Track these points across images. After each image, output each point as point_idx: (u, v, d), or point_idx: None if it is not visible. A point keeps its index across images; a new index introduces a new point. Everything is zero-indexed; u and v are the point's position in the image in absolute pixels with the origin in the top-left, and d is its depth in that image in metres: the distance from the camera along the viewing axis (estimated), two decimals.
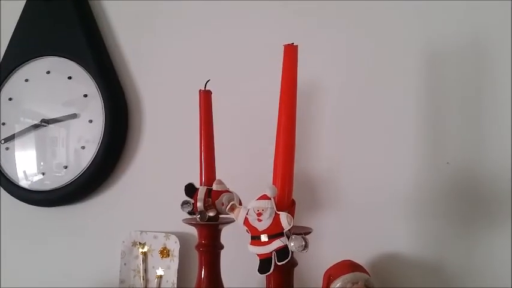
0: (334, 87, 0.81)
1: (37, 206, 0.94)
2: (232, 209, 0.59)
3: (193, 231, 0.85)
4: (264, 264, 0.56)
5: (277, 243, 0.55)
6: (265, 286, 0.61)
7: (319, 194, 0.78)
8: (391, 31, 0.78)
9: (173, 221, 0.86)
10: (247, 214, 0.58)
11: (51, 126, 0.93)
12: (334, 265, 0.73)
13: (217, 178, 0.74)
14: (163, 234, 0.86)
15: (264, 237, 0.56)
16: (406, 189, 0.76)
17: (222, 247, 0.74)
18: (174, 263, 0.85)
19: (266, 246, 0.56)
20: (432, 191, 0.75)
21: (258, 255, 0.57)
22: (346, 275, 0.70)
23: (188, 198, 0.72)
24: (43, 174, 0.93)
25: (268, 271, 0.55)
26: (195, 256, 0.84)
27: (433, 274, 0.75)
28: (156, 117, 0.92)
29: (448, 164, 0.75)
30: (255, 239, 0.57)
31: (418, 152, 0.76)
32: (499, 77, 0.73)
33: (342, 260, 0.73)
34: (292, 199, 0.61)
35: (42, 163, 0.93)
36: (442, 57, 0.76)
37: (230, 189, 0.72)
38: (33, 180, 0.93)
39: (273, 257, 0.55)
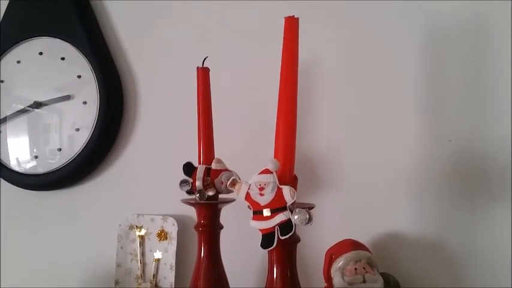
0: (334, 65, 0.80)
1: (31, 190, 0.93)
2: (233, 184, 0.58)
3: (191, 213, 0.84)
4: (267, 239, 0.54)
5: (280, 217, 0.54)
6: (267, 264, 0.60)
7: (320, 174, 0.77)
8: (391, 7, 0.77)
9: (170, 204, 0.85)
10: (248, 189, 0.57)
11: (44, 111, 0.90)
12: (336, 244, 0.72)
13: (216, 157, 0.72)
14: (161, 216, 0.85)
15: (266, 212, 0.55)
16: (408, 168, 0.75)
17: (221, 227, 0.73)
18: (172, 245, 0.83)
19: (269, 220, 0.55)
20: (434, 169, 0.75)
21: (260, 230, 0.55)
22: (349, 253, 0.69)
23: (187, 177, 0.70)
24: (36, 157, 0.91)
25: (271, 246, 0.54)
26: (193, 238, 0.83)
27: (435, 252, 0.74)
28: (152, 97, 0.90)
29: (450, 142, 0.74)
30: (257, 213, 0.56)
31: (420, 130, 0.75)
32: (500, 53, 0.72)
33: (344, 239, 0.72)
34: (294, 175, 0.60)
35: (35, 146, 0.91)
36: (443, 34, 0.75)
37: (229, 168, 0.71)
38: (26, 164, 0.91)
39: (275, 231, 0.54)
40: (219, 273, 0.72)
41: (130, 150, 0.90)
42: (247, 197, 0.57)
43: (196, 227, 0.72)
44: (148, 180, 0.88)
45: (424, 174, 0.75)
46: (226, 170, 0.71)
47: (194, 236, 0.83)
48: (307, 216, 0.53)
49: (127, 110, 0.90)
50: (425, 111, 0.75)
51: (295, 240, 0.58)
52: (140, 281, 0.84)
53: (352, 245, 0.70)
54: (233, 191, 0.70)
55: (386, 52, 0.77)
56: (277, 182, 0.55)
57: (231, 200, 0.72)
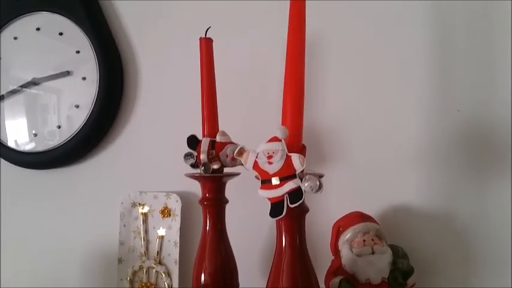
0: (341, 35, 0.78)
1: (31, 168, 0.91)
2: (241, 153, 0.56)
3: (194, 189, 0.83)
4: (276, 207, 0.53)
5: (290, 185, 0.53)
6: (275, 238, 0.59)
7: (326, 146, 0.75)
8: None
9: (173, 181, 0.84)
10: (256, 158, 0.55)
11: (42, 90, 0.88)
12: (343, 217, 0.71)
13: (220, 129, 0.70)
14: (164, 193, 0.83)
15: (275, 180, 0.54)
16: (416, 139, 0.74)
17: (226, 201, 0.71)
18: (175, 222, 0.82)
19: (278, 189, 0.53)
20: (442, 140, 0.73)
21: (269, 199, 0.54)
22: (357, 225, 0.68)
23: (191, 151, 0.69)
24: (35, 135, 0.89)
25: (281, 215, 0.53)
26: (197, 215, 0.82)
27: (443, 224, 0.73)
28: (153, 72, 0.88)
29: (459, 112, 0.73)
30: (266, 182, 0.54)
31: (428, 100, 0.74)
32: (509, 21, 0.70)
33: (351, 211, 0.71)
34: (303, 144, 0.58)
35: (34, 125, 0.89)
36: (450, 2, 0.73)
37: (234, 141, 0.70)
38: (25, 142, 0.89)
39: (285, 199, 0.53)
40: (225, 248, 0.71)
41: (132, 126, 0.88)
42: (255, 166, 0.55)
43: (201, 201, 0.71)
44: (150, 157, 0.86)
45: (432, 146, 0.74)
46: (231, 142, 0.70)
47: (198, 213, 0.82)
48: (318, 183, 0.52)
49: (127, 86, 0.88)
50: (433, 81, 0.74)
51: (304, 210, 0.57)
52: (144, 258, 0.83)
53: (360, 217, 0.70)
54: (238, 164, 0.70)
55: (393, 22, 0.75)
56: (286, 149, 0.54)
57: (236, 174, 0.71)
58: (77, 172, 0.90)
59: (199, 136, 0.71)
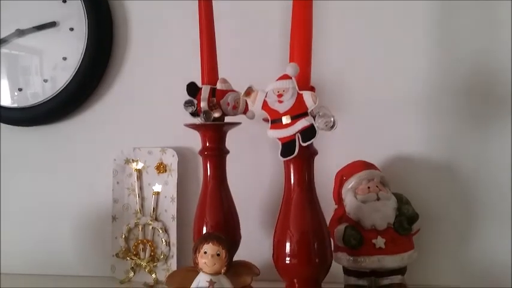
0: None
1: (17, 125, 0.86)
2: (248, 93, 0.54)
3: (191, 144, 0.80)
4: (287, 147, 0.52)
5: (302, 123, 0.51)
6: (284, 178, 0.57)
7: (329, 96, 0.74)
8: None
9: (168, 136, 0.82)
10: (265, 97, 0.53)
11: (27, 43, 0.83)
12: (346, 166, 0.70)
13: (220, 77, 0.68)
14: (159, 149, 0.81)
15: (286, 119, 0.52)
16: (417, 89, 0.74)
17: (227, 151, 0.69)
18: (172, 177, 0.80)
19: (289, 128, 0.52)
20: (443, 89, 0.73)
21: (279, 139, 0.53)
22: (361, 172, 0.67)
23: (191, 98, 0.66)
24: (20, 90, 0.84)
25: (292, 154, 0.52)
26: (193, 171, 0.81)
27: (445, 174, 0.73)
28: (145, 17, 0.83)
29: (459, 60, 0.72)
30: (276, 122, 0.53)
31: (429, 50, 0.73)
32: None
33: (354, 160, 0.70)
34: (311, 85, 0.57)
35: (20, 76, 0.84)
36: None
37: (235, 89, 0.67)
38: (9, 96, 0.84)
39: (296, 138, 0.51)
40: (227, 200, 0.69)
41: (123, 79, 0.84)
42: (264, 105, 0.54)
43: (202, 152, 0.69)
44: (143, 111, 0.83)
45: (433, 95, 0.73)
46: (232, 90, 0.67)
47: (194, 168, 0.81)
48: (332, 119, 0.50)
49: (117, 36, 0.84)
50: (434, 30, 0.73)
51: (313, 151, 0.56)
52: (139, 215, 0.81)
53: (364, 165, 0.69)
54: (239, 113, 0.68)
55: None
56: (297, 87, 0.52)
57: (237, 123, 0.68)
58: (66, 129, 0.86)
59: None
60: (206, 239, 0.56)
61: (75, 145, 0.86)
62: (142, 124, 0.83)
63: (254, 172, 0.78)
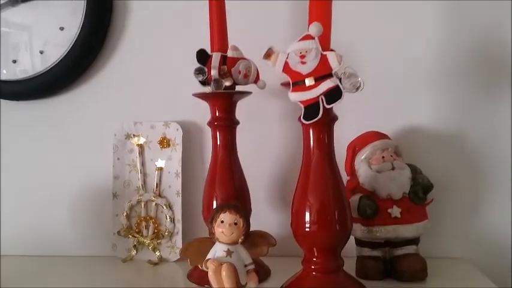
0: None
1: (13, 99, 0.82)
2: (269, 55, 0.52)
3: (194, 119, 0.78)
4: (310, 110, 0.50)
5: (327, 84, 0.49)
6: (302, 144, 0.56)
7: None
8: None
9: (171, 110, 0.80)
10: (286, 58, 0.51)
11: (22, 12, 0.79)
12: (358, 137, 0.69)
13: (231, 44, 0.66)
14: (162, 123, 0.78)
15: (309, 81, 0.50)
16: (427, 59, 0.73)
17: (238, 122, 0.68)
18: (176, 152, 0.77)
19: (312, 90, 0.50)
20: (454, 59, 0.73)
21: (301, 102, 0.51)
22: (376, 142, 0.66)
23: (201, 66, 0.64)
24: (14, 62, 0.80)
25: (316, 117, 0.50)
26: (197, 145, 0.78)
27: (454, 144, 0.73)
28: None
29: (469, 33, 0.72)
30: (298, 84, 0.51)
31: (438, 21, 0.72)
32: None
33: (366, 131, 0.69)
34: (331, 49, 0.55)
35: (14, 49, 0.80)
36: None
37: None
38: (5, 68, 0.80)
39: (320, 101, 0.50)
40: (238, 174, 0.67)
41: (124, 49, 0.80)
42: (286, 67, 0.52)
43: (211, 122, 0.67)
44: (145, 84, 0.80)
45: (443, 65, 0.73)
46: (244, 58, 0.65)
47: (199, 143, 0.79)
48: (359, 79, 0.48)
49: (117, 1, 0.80)
50: (444, 2, 0.72)
51: (333, 117, 0.54)
52: (142, 191, 0.78)
53: (377, 134, 0.68)
54: (250, 83, 0.66)
55: None
56: (320, 48, 0.50)
57: (248, 93, 0.66)
58: (63, 103, 0.82)
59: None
60: (223, 207, 0.54)
61: (74, 120, 0.82)
62: (144, 98, 0.80)
63: (260, 145, 0.76)
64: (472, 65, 0.72)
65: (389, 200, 0.63)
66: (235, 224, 0.53)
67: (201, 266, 0.54)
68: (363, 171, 0.65)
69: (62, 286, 0.66)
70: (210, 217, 0.54)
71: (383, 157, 0.65)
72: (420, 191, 0.64)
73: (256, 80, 0.66)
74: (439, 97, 0.73)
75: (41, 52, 0.79)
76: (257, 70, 0.66)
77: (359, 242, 0.66)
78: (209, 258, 0.53)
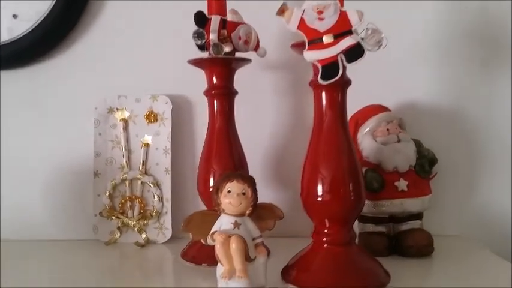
0: None
1: None
2: (282, 11, 0.49)
3: (183, 93, 0.73)
4: (329, 69, 0.47)
5: (348, 42, 0.46)
6: (313, 110, 0.52)
7: None
8: None
9: (158, 83, 0.75)
10: (302, 15, 0.48)
11: None
12: (360, 110, 0.67)
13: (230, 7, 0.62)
14: (149, 96, 0.73)
15: (327, 38, 0.47)
16: (426, 36, 0.72)
17: (236, 92, 0.63)
18: (165, 127, 0.72)
19: (331, 48, 0.47)
20: (452, 36, 0.71)
21: (319, 61, 0.47)
22: (380, 114, 0.64)
23: (199, 30, 0.59)
24: None
25: (336, 76, 0.47)
26: (187, 121, 0.75)
27: (453, 121, 0.72)
28: None
29: (467, 9, 0.71)
30: (315, 42, 0.48)
31: None
32: None
33: (367, 105, 0.66)
34: None
35: None
36: None
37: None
38: None
39: (339, 59, 0.46)
40: (236, 147, 0.63)
41: (107, 14, 0.74)
42: (301, 24, 0.48)
43: (208, 92, 0.62)
44: (129, 54, 0.74)
45: (442, 43, 0.71)
46: (244, 23, 0.62)
47: (189, 119, 0.75)
48: (383, 35, 0.46)
49: None
50: None
51: (346, 80, 0.51)
52: (126, 169, 0.73)
53: (381, 107, 0.66)
54: (250, 50, 0.62)
55: None
56: (339, 3, 0.47)
57: (248, 60, 0.63)
58: (38, 73, 0.75)
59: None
60: (230, 177, 0.50)
61: (51, 92, 0.75)
62: (128, 69, 0.74)
63: (255, 118, 0.72)
64: (471, 42, 0.71)
65: (395, 173, 0.61)
66: (243, 193, 0.49)
67: (205, 241, 0.50)
68: (367, 144, 0.63)
69: (39, 273, 0.60)
70: (215, 187, 0.50)
71: (388, 129, 0.63)
72: (426, 164, 0.62)
73: (256, 47, 0.63)
74: (437, 73, 0.72)
75: (14, 16, 0.72)
76: (257, 37, 0.62)
77: (362, 218, 0.63)
78: (216, 231, 0.49)
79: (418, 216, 0.62)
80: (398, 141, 0.62)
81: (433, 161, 0.63)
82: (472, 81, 0.71)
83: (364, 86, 0.69)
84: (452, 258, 0.60)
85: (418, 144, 0.64)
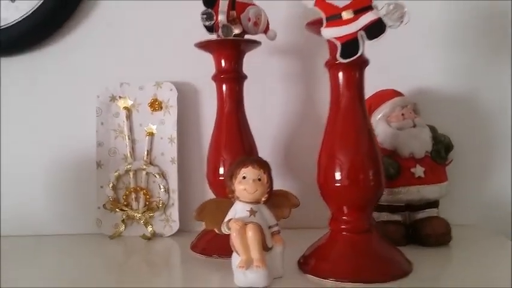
0: None
1: None
2: None
3: (188, 80, 0.71)
4: (349, 46, 0.45)
5: (368, 17, 0.44)
6: (329, 92, 0.50)
7: None
8: None
9: (162, 70, 0.72)
10: None
11: None
12: (373, 95, 0.64)
13: None
14: (153, 83, 0.70)
15: (347, 14, 0.45)
16: (436, 20, 0.70)
17: (245, 76, 0.61)
18: (170, 115, 0.70)
19: (351, 24, 0.45)
20: (468, 21, 0.69)
21: (338, 38, 0.45)
22: (395, 99, 0.62)
23: (208, 10, 0.57)
24: None
25: (356, 53, 0.45)
26: (192, 108, 0.72)
27: (465, 106, 0.70)
28: None
29: None
30: (334, 18, 0.45)
31: None
32: None
33: (380, 89, 0.64)
34: None
35: None
36: None
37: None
38: None
39: (359, 36, 0.44)
40: (246, 135, 0.61)
41: None
42: (318, 0, 0.46)
43: (217, 76, 0.60)
44: (132, 41, 0.72)
45: (454, 27, 0.69)
46: (253, 4, 0.59)
47: (194, 106, 0.72)
48: (405, 9, 0.43)
49: None
50: None
51: (364, 60, 0.49)
52: (130, 160, 0.70)
53: (394, 92, 0.64)
54: (260, 32, 0.60)
55: None
56: None
57: (258, 42, 0.60)
58: (38, 60, 0.72)
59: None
60: (245, 162, 0.48)
61: (51, 79, 0.72)
62: (130, 55, 0.72)
63: (263, 104, 0.70)
64: (481, 26, 0.69)
65: (411, 159, 0.59)
66: (259, 179, 0.47)
67: (218, 230, 0.48)
68: (381, 129, 0.61)
69: (42, 269, 0.57)
70: (229, 173, 0.48)
71: (402, 114, 0.61)
72: (443, 149, 0.60)
73: (266, 29, 0.61)
74: (452, 58, 0.70)
75: (12, 0, 0.69)
76: (267, 19, 0.60)
77: (377, 207, 0.61)
78: (231, 219, 0.46)
79: (435, 204, 0.60)
80: (414, 126, 0.60)
81: (448, 146, 0.61)
82: (488, 66, 0.69)
83: (375, 72, 0.67)
84: (471, 247, 0.58)
85: (433, 129, 0.62)
